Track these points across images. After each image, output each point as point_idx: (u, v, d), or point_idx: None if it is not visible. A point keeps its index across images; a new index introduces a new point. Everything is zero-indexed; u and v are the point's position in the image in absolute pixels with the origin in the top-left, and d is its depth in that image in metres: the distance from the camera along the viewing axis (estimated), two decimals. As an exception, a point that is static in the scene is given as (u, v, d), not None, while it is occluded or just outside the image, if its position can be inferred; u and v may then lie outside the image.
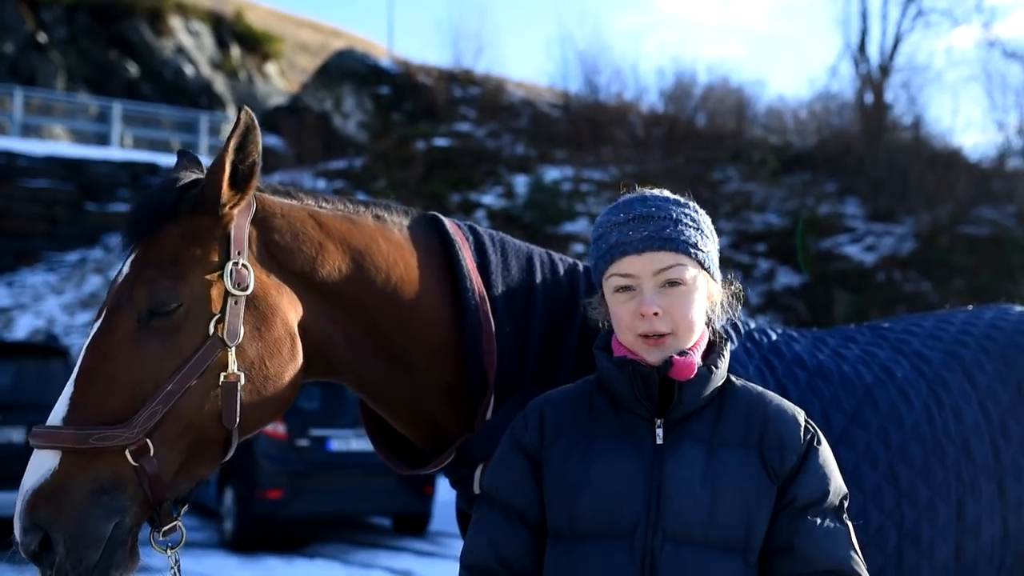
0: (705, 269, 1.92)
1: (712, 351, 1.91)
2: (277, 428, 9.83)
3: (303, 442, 10.07)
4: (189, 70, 33.30)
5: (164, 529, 1.95)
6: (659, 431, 1.84)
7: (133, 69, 32.12)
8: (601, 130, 23.36)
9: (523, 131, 24.51)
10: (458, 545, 2.03)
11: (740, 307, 2.06)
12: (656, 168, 19.95)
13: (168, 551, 1.98)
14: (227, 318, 1.98)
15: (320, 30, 44.20)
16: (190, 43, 33.98)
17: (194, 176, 2.13)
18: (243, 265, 2.03)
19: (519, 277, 2.33)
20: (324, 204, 2.26)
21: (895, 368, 2.55)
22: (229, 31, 35.88)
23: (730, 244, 18.37)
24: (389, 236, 2.25)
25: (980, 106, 54.67)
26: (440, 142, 23.43)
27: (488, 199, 21.44)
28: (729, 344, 1.96)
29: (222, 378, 1.96)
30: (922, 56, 41.09)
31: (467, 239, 2.32)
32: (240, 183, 2.05)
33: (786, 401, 1.94)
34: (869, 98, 23.06)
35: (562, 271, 2.40)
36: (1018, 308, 2.85)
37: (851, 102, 23.80)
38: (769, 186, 21.13)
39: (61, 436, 1.87)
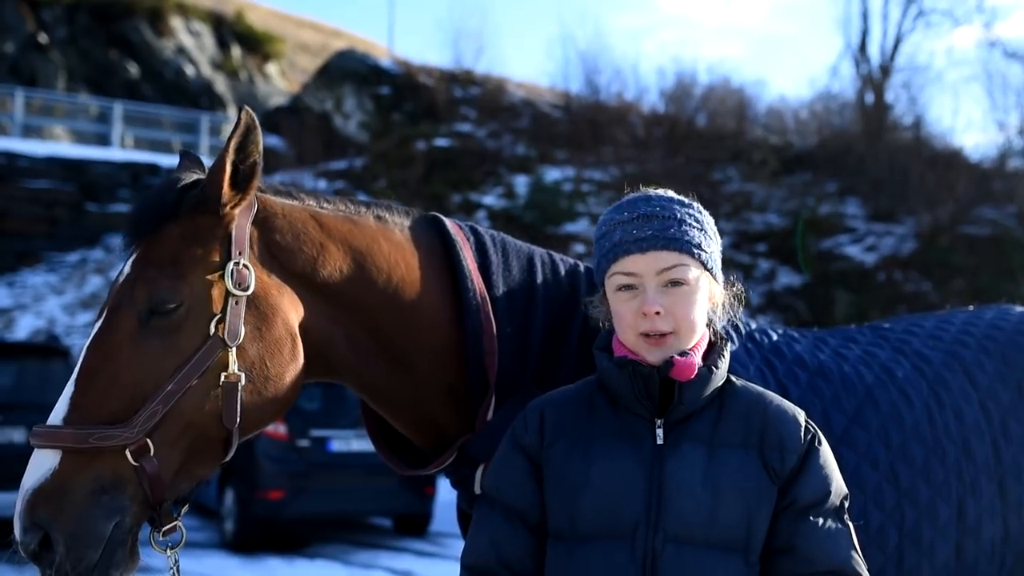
0: (708, 270, 1.92)
1: (712, 351, 1.91)
2: (278, 428, 9.83)
3: (304, 442, 10.08)
4: (190, 70, 33.31)
5: (164, 529, 1.95)
6: (659, 431, 1.84)
7: (134, 69, 32.13)
8: (602, 130, 23.35)
9: (524, 131, 24.51)
10: (459, 545, 2.03)
11: (741, 308, 2.06)
12: (657, 168, 19.95)
13: (168, 551, 1.98)
14: (228, 318, 1.98)
15: (321, 30, 44.21)
16: (191, 43, 33.99)
17: (195, 176, 2.13)
18: (244, 265, 2.03)
19: (520, 278, 2.33)
20: (325, 204, 2.26)
21: (896, 368, 2.55)
22: (230, 31, 35.89)
23: (731, 244, 18.36)
24: (390, 237, 2.26)
25: (981, 106, 54.68)
26: (441, 142, 23.43)
27: (489, 199, 21.44)
28: (729, 344, 1.96)
29: (223, 378, 1.96)
30: (923, 56, 41.06)
31: (468, 240, 2.32)
32: (241, 183, 2.05)
33: (786, 401, 1.94)
34: (870, 98, 23.06)
35: (563, 271, 2.40)
36: (1019, 308, 2.85)
37: (852, 102, 23.79)
38: (770, 186, 21.13)
39: (61, 435, 1.88)
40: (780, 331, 2.62)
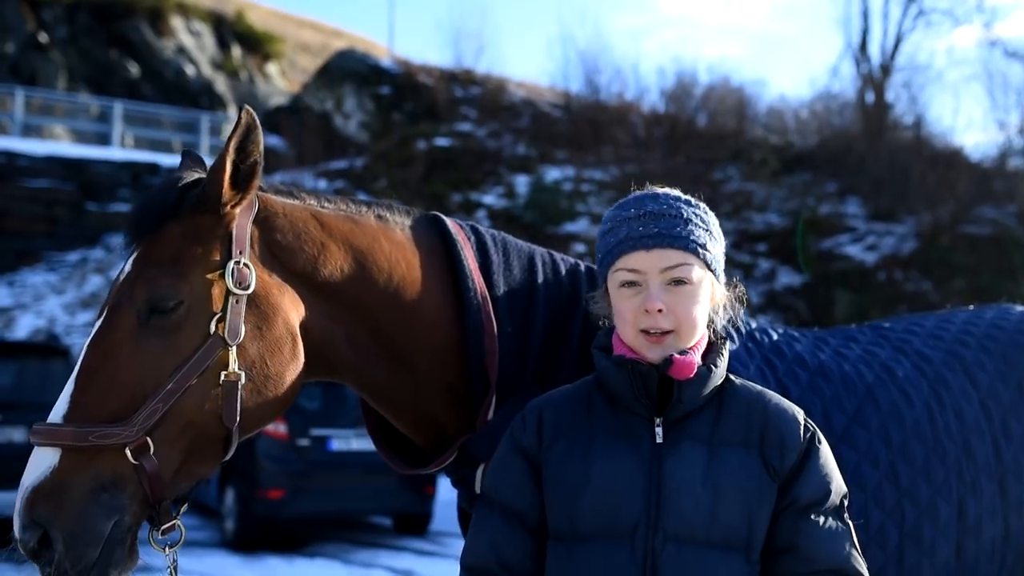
0: (711, 270, 1.92)
1: (711, 351, 1.91)
2: (278, 428, 9.83)
3: (304, 442, 10.08)
4: (190, 70, 33.31)
5: (163, 528, 1.95)
6: (658, 430, 1.84)
7: (134, 69, 32.13)
8: (602, 130, 23.35)
9: (524, 131, 24.50)
10: (459, 545, 2.03)
11: (742, 310, 2.06)
12: (657, 168, 19.94)
13: (166, 550, 1.98)
14: (228, 317, 1.98)
15: (321, 30, 44.21)
16: (191, 43, 33.99)
17: (196, 175, 2.14)
18: (245, 264, 2.03)
19: (521, 277, 2.33)
20: (326, 204, 2.26)
21: (896, 367, 2.55)
22: (230, 31, 35.89)
23: (731, 244, 18.19)
24: (391, 236, 2.26)
25: (981, 106, 54.65)
26: (441, 142, 23.42)
27: (489, 199, 21.43)
28: (728, 343, 1.96)
29: (222, 377, 1.96)
30: (923, 56, 41.11)
31: (469, 239, 2.32)
32: (241, 182, 2.05)
33: (785, 400, 1.94)
34: (870, 98, 23.05)
35: (564, 271, 2.40)
36: (1019, 308, 2.85)
37: (852, 102, 23.78)
38: (770, 186, 21.12)
39: (61, 434, 1.88)
40: (780, 330, 2.62)
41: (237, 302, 2.00)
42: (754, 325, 2.56)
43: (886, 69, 23.02)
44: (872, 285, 17.70)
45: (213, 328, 1.97)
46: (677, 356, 1.83)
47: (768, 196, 20.82)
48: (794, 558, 1.81)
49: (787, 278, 18.54)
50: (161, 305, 1.96)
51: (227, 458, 2.06)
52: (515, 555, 1.88)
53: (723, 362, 1.90)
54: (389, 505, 10.86)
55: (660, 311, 1.83)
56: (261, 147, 2.05)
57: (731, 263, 2.04)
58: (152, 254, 2.02)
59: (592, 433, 1.88)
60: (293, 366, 2.08)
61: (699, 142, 22.95)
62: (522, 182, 21.70)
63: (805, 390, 2.42)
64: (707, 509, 1.79)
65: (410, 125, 24.60)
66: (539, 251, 2.43)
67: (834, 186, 21.12)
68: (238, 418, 1.98)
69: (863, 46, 23.21)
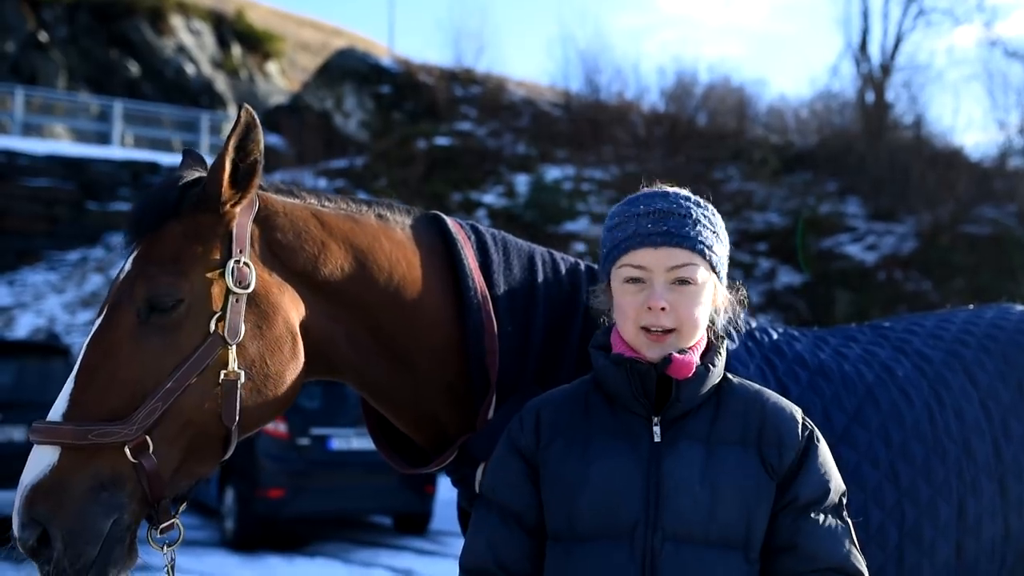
0: (715, 272, 1.92)
1: (710, 350, 1.92)
2: (278, 427, 9.83)
3: (304, 441, 10.07)
4: (190, 69, 33.31)
5: (162, 527, 1.95)
6: (656, 429, 1.84)
7: (134, 68, 32.13)
8: (602, 129, 23.34)
9: (524, 130, 24.50)
10: (459, 544, 2.03)
11: (743, 314, 2.06)
12: (657, 167, 19.94)
13: (165, 548, 1.98)
14: (228, 316, 1.98)
15: (321, 29, 44.20)
16: (191, 42, 33.98)
17: (197, 174, 2.14)
18: (245, 263, 2.03)
19: (521, 276, 2.33)
20: (327, 203, 2.26)
21: (896, 367, 2.55)
22: (230, 30, 35.88)
23: (731, 243, 18.07)
24: (392, 235, 2.26)
25: (981, 105, 54.65)
26: (441, 141, 23.42)
27: (489, 198, 21.43)
28: (725, 342, 1.96)
29: (222, 376, 1.96)
30: (923, 55, 41.14)
31: (469, 238, 2.32)
32: (241, 182, 2.05)
33: (783, 398, 1.94)
34: (870, 97, 23.05)
35: (564, 270, 2.40)
36: (1019, 307, 2.85)
37: (852, 101, 23.78)
38: (770, 185, 21.13)
39: (60, 432, 1.88)
40: (780, 330, 2.62)
41: (237, 301, 2.00)
42: (754, 324, 2.56)
43: (886, 69, 23.03)
44: (872, 285, 17.71)
45: (213, 327, 1.97)
46: (676, 355, 1.83)
47: (768, 196, 20.82)
48: (794, 557, 1.81)
49: (787, 277, 18.54)
50: (161, 303, 1.96)
51: (226, 457, 2.06)
52: (513, 555, 1.88)
53: (721, 361, 1.90)
54: (389, 504, 10.86)
55: (663, 309, 1.83)
56: (261, 146, 2.05)
57: (731, 262, 2.04)
58: (152, 253, 2.02)
59: (590, 433, 1.88)
60: (293, 365, 2.08)
61: (699, 142, 22.95)
62: (522, 181, 21.70)
63: (805, 389, 2.42)
64: (705, 508, 1.79)
65: (410, 124, 24.61)
66: (539, 250, 2.43)
67: (834, 186, 21.13)
68: (237, 417, 1.98)
69: (863, 46, 23.23)
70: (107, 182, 22.46)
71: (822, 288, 17.82)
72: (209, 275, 2.00)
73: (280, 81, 37.00)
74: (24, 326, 18.27)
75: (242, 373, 1.98)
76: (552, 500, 1.87)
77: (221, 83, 33.98)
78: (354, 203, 2.30)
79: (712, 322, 1.95)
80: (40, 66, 30.28)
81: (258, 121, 2.04)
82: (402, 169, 21.88)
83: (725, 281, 1.98)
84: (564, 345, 2.29)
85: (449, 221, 2.34)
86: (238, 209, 2.07)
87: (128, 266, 2.04)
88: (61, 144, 25.03)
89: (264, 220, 2.12)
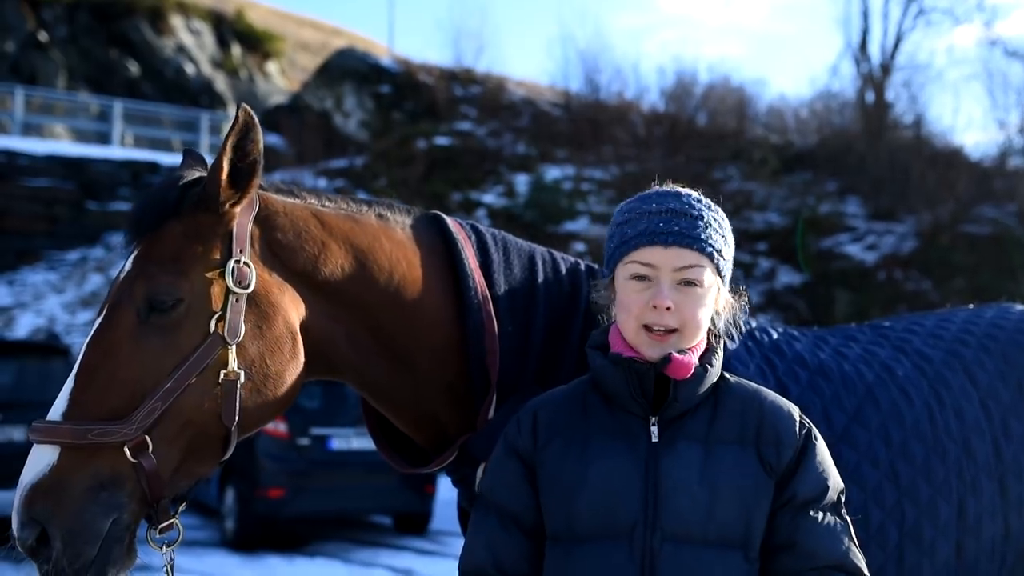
0: (721, 276, 1.93)
1: (708, 350, 1.92)
2: (278, 427, 9.83)
3: (304, 441, 10.07)
4: (190, 69, 33.31)
5: (161, 527, 1.95)
6: (654, 428, 1.84)
7: (134, 68, 32.13)
8: (602, 129, 23.34)
9: (524, 130, 24.50)
10: (459, 544, 2.03)
11: (743, 319, 2.06)
12: (657, 167, 19.91)
13: (164, 548, 1.97)
14: (228, 316, 1.98)
15: (321, 29, 44.19)
16: (191, 42, 33.98)
17: (197, 174, 2.14)
18: (245, 263, 2.03)
19: (521, 276, 2.33)
20: (327, 203, 2.26)
21: (896, 367, 2.55)
22: (230, 30, 35.88)
23: (731, 243, 18.26)
24: (392, 235, 2.26)
25: (981, 105, 54.66)
26: (441, 141, 23.42)
27: (489, 198, 21.43)
28: (722, 341, 1.96)
29: (222, 376, 1.96)
30: (923, 55, 41.15)
31: (469, 238, 2.32)
32: (240, 182, 2.05)
33: (780, 397, 1.94)
34: (870, 97, 23.04)
35: (564, 270, 2.40)
36: (1019, 307, 2.85)
37: (852, 101, 23.78)
38: (770, 185, 21.12)
39: (60, 431, 1.88)
40: (780, 330, 2.62)
41: (237, 301, 2.00)
42: (754, 324, 2.56)
43: (886, 68, 23.02)
44: (872, 284, 17.71)
45: (213, 327, 1.97)
46: (676, 355, 1.83)
47: (768, 195, 20.82)
48: (793, 555, 1.81)
49: (787, 277, 18.54)
50: (161, 303, 1.96)
51: (226, 457, 2.06)
52: (512, 557, 1.88)
53: (718, 361, 1.91)
54: (389, 504, 10.86)
55: (668, 309, 1.83)
56: (260, 146, 2.05)
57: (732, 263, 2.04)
58: (152, 252, 2.02)
59: (588, 433, 1.87)
60: (293, 365, 2.08)
61: (699, 141, 22.94)
62: (522, 181, 21.70)
63: (805, 389, 2.42)
64: (704, 507, 1.79)
65: (410, 124, 24.61)
66: (539, 250, 2.43)
67: (834, 185, 21.13)
68: (237, 417, 1.98)
69: (863, 45, 23.22)
70: (107, 182, 22.46)
71: (822, 288, 17.82)
72: (209, 275, 2.00)
73: (280, 81, 37.00)
74: (24, 326, 18.27)
75: (242, 373, 1.98)
76: (550, 501, 1.86)
77: (221, 83, 33.98)
78: (354, 203, 2.30)
79: (712, 324, 1.95)
80: (40, 66, 30.28)
81: (257, 121, 2.04)
82: (402, 169, 21.88)
83: (728, 285, 1.98)
84: (564, 345, 2.29)
85: (449, 221, 2.34)
86: (238, 209, 2.07)
87: (128, 266, 2.04)
88: (61, 144, 25.03)
89: (264, 220, 2.12)
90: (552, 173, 21.87)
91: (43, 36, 30.93)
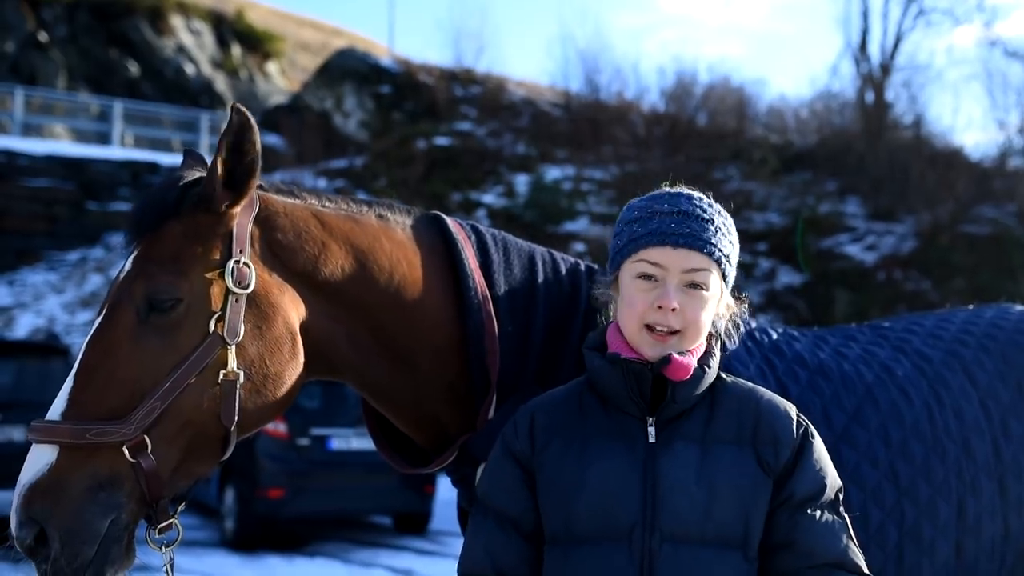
0: (725, 281, 1.93)
1: (705, 352, 1.92)
2: (278, 427, 9.83)
3: (304, 441, 10.08)
4: (190, 69, 33.31)
5: (160, 527, 1.95)
6: (651, 429, 1.84)
7: (134, 68, 32.12)
8: (602, 129, 23.34)
9: (524, 130, 24.51)
10: (458, 544, 2.03)
11: (742, 324, 2.07)
12: (657, 167, 19.94)
13: (163, 548, 1.97)
14: (227, 316, 1.98)
15: (321, 29, 44.19)
16: (191, 42, 33.98)
17: (198, 174, 2.14)
18: (245, 263, 2.03)
19: (521, 276, 2.33)
20: (327, 203, 2.26)
21: (896, 367, 2.55)
22: (230, 30, 35.88)
23: (731, 243, 18.25)
24: (392, 235, 2.26)
25: (981, 105, 54.70)
26: (441, 141, 23.43)
27: (489, 198, 21.44)
28: (719, 343, 1.96)
29: (221, 376, 1.96)
30: (923, 55, 41.20)
31: (470, 238, 2.32)
32: (238, 183, 2.04)
33: (777, 396, 1.94)
34: (870, 97, 23.06)
35: (564, 270, 2.40)
36: (1018, 307, 2.85)
37: (852, 101, 23.80)
38: (770, 185, 21.13)
39: (58, 431, 1.87)
40: (780, 330, 2.63)
41: (237, 301, 2.00)
42: (754, 324, 2.56)
43: (886, 68, 23.03)
44: (872, 284, 17.72)
45: (212, 327, 1.97)
46: (676, 356, 1.83)
47: (768, 195, 20.83)
48: (792, 553, 1.81)
49: (787, 277, 18.55)
50: (160, 303, 1.96)
51: (225, 457, 2.05)
52: (510, 560, 1.88)
53: (715, 362, 1.91)
54: (389, 504, 10.86)
55: (674, 310, 1.83)
56: (258, 146, 2.04)
57: (732, 265, 2.05)
58: (152, 252, 2.02)
59: (586, 435, 1.87)
60: (293, 366, 2.08)
61: (699, 141, 22.95)
62: (522, 181, 21.70)
63: (805, 389, 2.42)
64: (702, 507, 1.79)
65: (410, 124, 24.62)
66: (539, 250, 2.43)
67: (834, 185, 21.13)
68: (236, 417, 1.98)
69: (863, 46, 23.24)
70: (107, 182, 22.46)
71: (822, 288, 17.82)
72: (209, 275, 2.00)
73: (280, 81, 37.00)
74: (24, 326, 18.28)
75: (241, 373, 1.98)
76: (549, 504, 1.86)
77: (221, 83, 33.98)
78: (354, 203, 2.30)
79: (713, 327, 1.95)
80: (40, 66, 30.27)
81: (252, 121, 2.02)
82: (402, 169, 21.89)
83: (730, 289, 1.98)
84: (564, 345, 2.29)
85: (449, 221, 2.34)
86: (237, 209, 2.07)
87: (128, 266, 2.04)
88: (61, 144, 25.03)
89: (264, 220, 2.12)
90: (552, 173, 21.88)
91: (43, 36, 30.93)
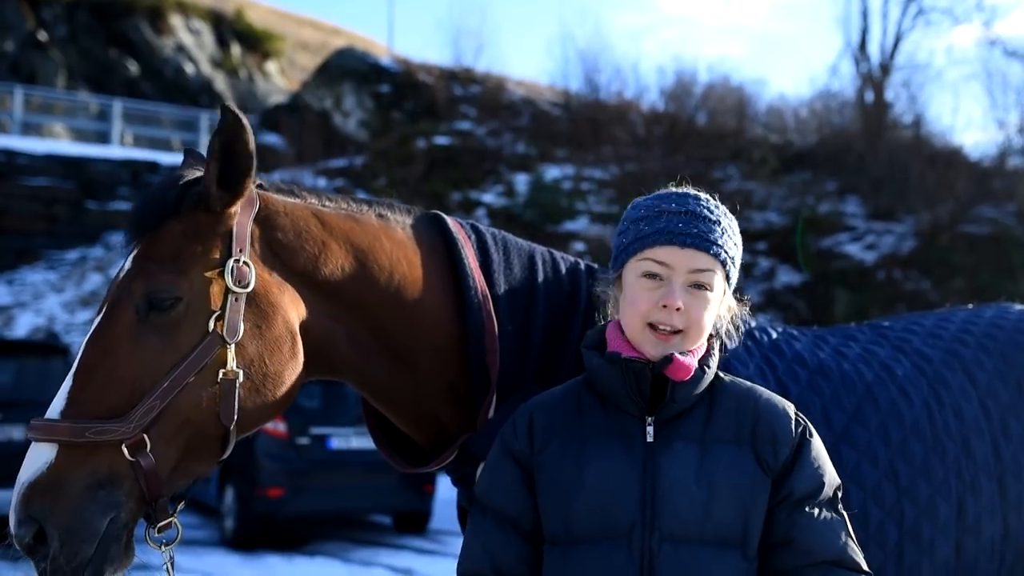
0: (728, 283, 1.94)
1: (706, 352, 1.92)
2: (277, 426, 9.83)
3: (304, 440, 10.07)
4: (189, 68, 33.30)
5: (159, 525, 1.95)
6: (650, 428, 1.84)
7: (133, 67, 32.11)
8: (602, 129, 23.34)
9: (524, 130, 24.51)
10: (458, 543, 2.03)
11: (742, 325, 2.07)
12: (657, 166, 19.96)
13: (163, 547, 1.97)
14: (227, 315, 1.98)
15: (320, 28, 44.18)
16: (190, 41, 33.97)
17: (198, 173, 2.13)
18: (244, 262, 2.02)
19: (521, 276, 2.33)
20: (327, 203, 2.26)
21: (895, 366, 2.55)
22: (229, 29, 35.87)
23: (730, 243, 18.26)
24: (392, 235, 2.25)
25: (981, 105, 54.73)
26: (441, 140, 23.43)
27: (489, 198, 21.44)
28: (719, 343, 1.96)
29: (220, 375, 1.96)
30: (923, 55, 41.25)
31: (470, 238, 2.32)
32: (233, 183, 2.04)
33: (775, 395, 1.94)
34: (870, 97, 23.06)
35: (564, 270, 2.40)
36: (1018, 307, 2.85)
37: (852, 101, 23.80)
38: (769, 185, 21.13)
39: (58, 429, 1.87)
40: (780, 329, 2.63)
41: (236, 300, 2.00)
42: (753, 324, 2.56)
43: (885, 68, 23.04)
44: (871, 284, 17.72)
45: (212, 326, 1.97)
46: (677, 356, 1.83)
47: (768, 195, 20.83)
48: (791, 551, 1.81)
49: (786, 277, 18.55)
50: (160, 302, 1.96)
51: (224, 457, 2.05)
52: (510, 560, 1.88)
53: (715, 362, 1.91)
54: (389, 503, 10.86)
55: (678, 309, 1.84)
56: (251, 146, 2.03)
57: (733, 263, 2.05)
58: (152, 251, 2.02)
59: (584, 434, 1.87)
60: (292, 365, 2.08)
61: (699, 141, 22.95)
62: (522, 181, 21.70)
63: (804, 389, 2.42)
64: (701, 507, 1.79)
65: (409, 123, 24.62)
66: (539, 250, 2.43)
67: (833, 185, 21.14)
68: (236, 416, 1.97)
69: (862, 45, 23.24)
70: (106, 181, 22.46)
71: (821, 287, 17.83)
72: (208, 274, 2.00)
73: (279, 80, 36.99)
74: (23, 325, 18.27)
75: (241, 372, 1.97)
76: (548, 504, 1.86)
77: (220, 82, 33.97)
78: (355, 203, 2.30)
79: (714, 328, 1.95)
80: (39, 65, 30.26)
81: (244, 120, 2.01)
82: (401, 168, 21.89)
83: (732, 291, 1.99)
84: (564, 345, 2.29)
85: (449, 221, 2.34)
86: (235, 209, 2.07)
87: (128, 264, 2.04)
88: (60, 143, 25.02)
89: (265, 219, 2.12)
90: (552, 173, 21.88)
91: (42, 35, 30.92)
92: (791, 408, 1.91)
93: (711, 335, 1.94)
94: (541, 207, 20.23)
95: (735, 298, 2.01)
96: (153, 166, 22.95)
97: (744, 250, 2.02)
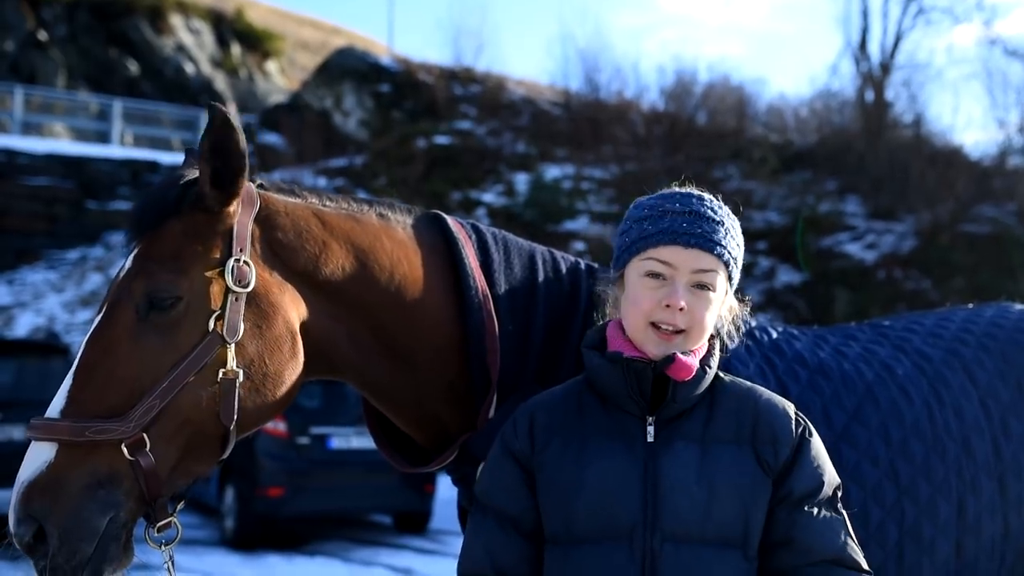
0: (730, 283, 1.94)
1: (707, 352, 1.92)
2: (278, 426, 9.83)
3: (304, 440, 10.07)
4: (190, 68, 33.30)
5: (159, 525, 1.95)
6: (650, 428, 1.84)
7: (134, 67, 32.12)
8: (602, 128, 23.34)
9: (524, 129, 24.50)
10: (458, 543, 2.03)
11: (743, 326, 2.07)
12: (657, 166, 19.96)
13: (162, 547, 1.97)
14: (227, 315, 1.98)
15: (320, 28, 44.18)
16: (190, 41, 33.97)
17: (198, 173, 2.13)
18: (245, 262, 2.02)
19: (521, 276, 2.33)
20: (328, 202, 2.26)
21: (896, 366, 2.55)
22: (229, 29, 35.87)
23: (730, 242, 18.26)
24: (393, 234, 2.25)
25: (981, 104, 54.73)
26: (441, 140, 23.42)
27: (489, 197, 21.44)
28: (719, 343, 1.96)
29: (220, 375, 1.96)
30: (923, 54, 41.21)
31: (470, 237, 2.32)
32: (226, 182, 2.04)
33: (775, 395, 1.94)
34: (870, 96, 23.05)
35: (564, 270, 2.40)
36: (1018, 306, 2.85)
37: (852, 100, 23.78)
38: (770, 184, 21.12)
39: (57, 428, 1.87)
40: (780, 329, 2.62)
41: (236, 300, 2.00)
42: (753, 323, 2.56)
43: (886, 67, 23.03)
44: (871, 283, 17.71)
45: (212, 325, 1.97)
46: (679, 356, 1.83)
47: (768, 194, 20.82)
48: (791, 551, 1.81)
49: (787, 276, 18.54)
50: (160, 301, 1.96)
51: (224, 456, 2.05)
52: (510, 560, 1.88)
53: (715, 362, 1.91)
54: (389, 503, 10.85)
55: (681, 309, 1.84)
56: (242, 144, 2.01)
57: (731, 261, 2.05)
58: (152, 250, 2.02)
59: (585, 434, 1.87)
60: (292, 365, 2.08)
61: (699, 140, 22.94)
62: (522, 180, 21.70)
63: (805, 388, 2.42)
64: (702, 507, 1.79)
65: (410, 123, 24.61)
66: (539, 249, 2.43)
67: (834, 184, 21.13)
68: (235, 416, 1.97)
69: (863, 45, 23.23)
70: (106, 181, 22.46)
71: (821, 287, 17.82)
72: (208, 273, 2.00)
73: (279, 80, 36.99)
74: (24, 325, 18.28)
75: (240, 372, 1.97)
76: (549, 504, 1.86)
77: (221, 82, 33.97)
78: (355, 202, 2.30)
79: (716, 329, 1.95)
80: (39, 65, 30.27)
81: (232, 119, 1.99)
82: (402, 168, 21.88)
83: (733, 291, 1.99)
84: (564, 344, 2.29)
85: (450, 220, 2.34)
86: (234, 208, 2.07)
87: (128, 264, 2.04)
88: (60, 143, 25.02)
89: (265, 219, 2.12)
90: (552, 172, 21.88)
91: (43, 35, 30.92)
92: (791, 408, 1.92)
93: (712, 335, 1.94)
94: (541, 207, 20.22)
95: (736, 299, 2.01)
96: (153, 166, 22.96)
97: (744, 250, 2.02)
